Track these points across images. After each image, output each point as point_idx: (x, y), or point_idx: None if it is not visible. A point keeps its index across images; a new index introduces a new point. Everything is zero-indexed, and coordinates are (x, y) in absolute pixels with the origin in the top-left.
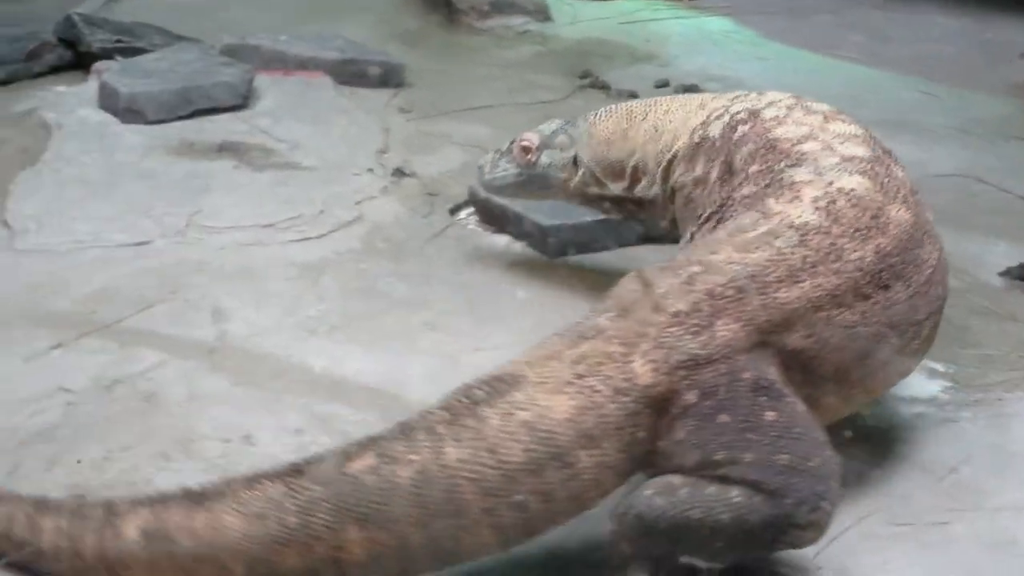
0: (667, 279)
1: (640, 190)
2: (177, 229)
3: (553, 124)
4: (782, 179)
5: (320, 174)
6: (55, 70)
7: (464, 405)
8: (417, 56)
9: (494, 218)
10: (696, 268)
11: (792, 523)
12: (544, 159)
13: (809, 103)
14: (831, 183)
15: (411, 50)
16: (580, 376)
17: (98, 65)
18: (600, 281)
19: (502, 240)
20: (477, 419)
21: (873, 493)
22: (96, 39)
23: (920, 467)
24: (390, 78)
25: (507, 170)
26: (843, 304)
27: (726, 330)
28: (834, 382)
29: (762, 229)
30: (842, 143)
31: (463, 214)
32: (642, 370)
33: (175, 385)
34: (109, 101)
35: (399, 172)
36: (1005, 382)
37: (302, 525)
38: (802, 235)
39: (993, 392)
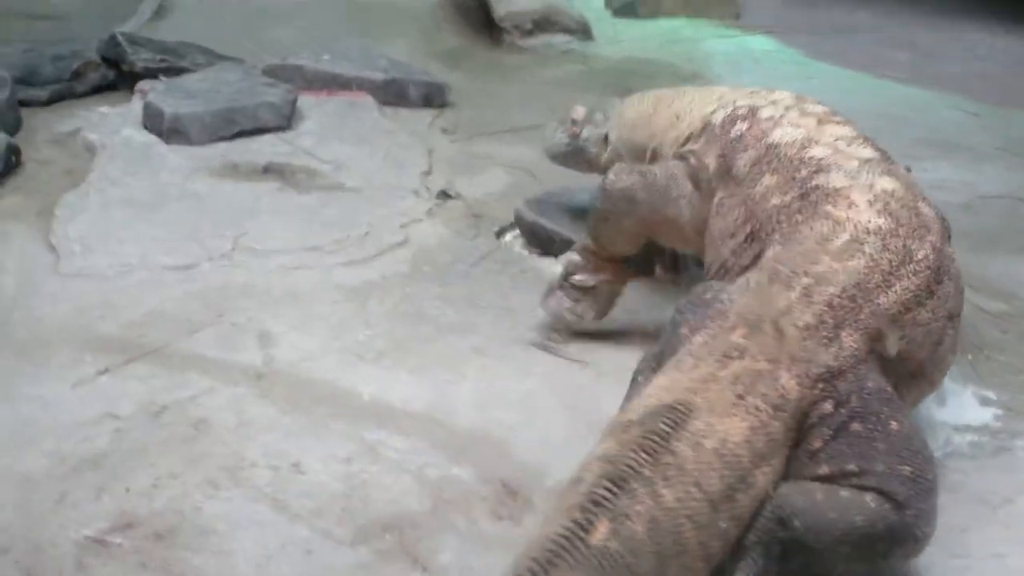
0: (783, 293)
1: None
2: (223, 252)
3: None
4: (819, 186)
5: (365, 196)
6: (99, 90)
7: (656, 443)
8: (460, 75)
9: (540, 241)
10: (806, 280)
11: (911, 534)
12: (585, 133)
13: (806, 104)
14: (872, 185)
15: (453, 69)
16: (741, 396)
17: (141, 85)
18: (643, 303)
19: (548, 263)
20: (673, 455)
21: None
22: (140, 59)
23: (975, 497)
24: (433, 98)
25: (559, 140)
26: (921, 303)
27: (850, 340)
28: (915, 379)
29: (845, 237)
30: (848, 145)
31: (509, 237)
32: (790, 384)
33: (223, 411)
34: (153, 122)
35: (444, 194)
36: None
37: None
38: (883, 239)
39: None
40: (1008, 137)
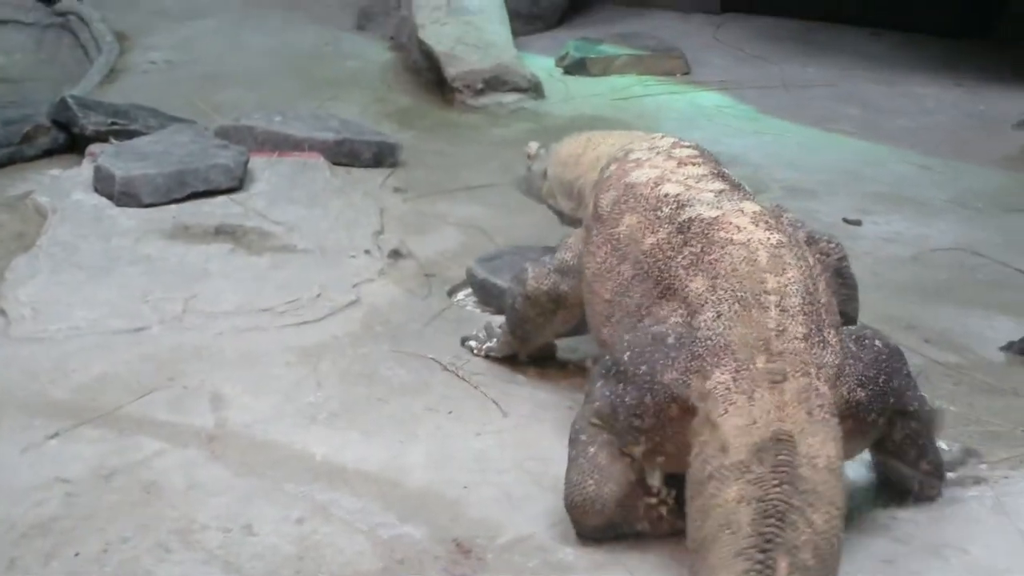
0: (764, 314)
1: (581, 212)
2: (174, 315)
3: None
4: (693, 218)
5: (317, 257)
6: (49, 153)
7: (789, 473)
8: (411, 135)
9: (492, 299)
10: (773, 298)
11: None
12: (534, 167)
13: (676, 149)
14: (741, 209)
15: (405, 129)
16: (809, 413)
17: (92, 148)
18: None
19: (501, 321)
20: (805, 480)
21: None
22: (90, 122)
23: (930, 549)
24: (385, 157)
25: (529, 169)
26: (832, 296)
27: (832, 337)
28: None
29: (764, 254)
30: (697, 182)
31: (461, 295)
32: (824, 389)
33: (175, 474)
34: (104, 184)
35: (396, 253)
36: (1010, 459)
37: None
38: (789, 249)
39: (999, 470)
40: (958, 190)
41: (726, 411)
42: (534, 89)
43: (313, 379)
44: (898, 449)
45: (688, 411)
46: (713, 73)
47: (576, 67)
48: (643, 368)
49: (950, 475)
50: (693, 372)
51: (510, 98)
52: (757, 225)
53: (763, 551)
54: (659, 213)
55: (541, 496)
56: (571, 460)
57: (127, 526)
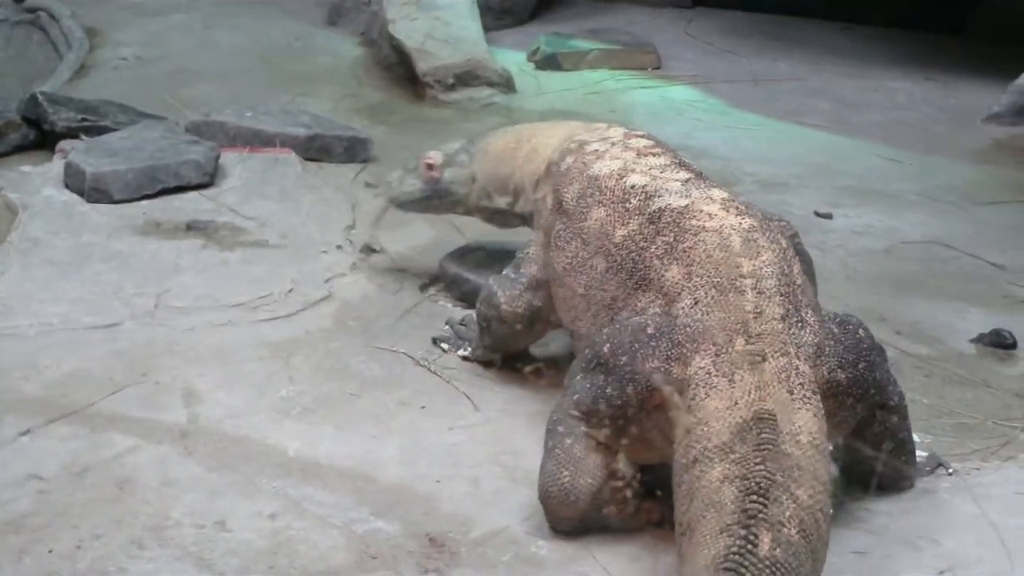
0: (740, 297)
1: (519, 205)
2: (146, 310)
3: (456, 144)
4: (663, 208)
5: (289, 252)
6: (19, 149)
7: (772, 450)
8: (383, 130)
9: (464, 293)
10: (748, 281)
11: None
12: (447, 175)
13: (631, 139)
14: (709, 197)
15: (377, 124)
16: (791, 391)
17: (62, 144)
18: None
19: (469, 321)
20: (788, 457)
21: (858, 567)
22: (60, 118)
23: (902, 540)
24: (356, 153)
25: (413, 186)
26: (804, 276)
27: (810, 316)
28: None
29: (737, 239)
30: (662, 172)
31: (433, 290)
32: (805, 368)
33: (148, 470)
34: (74, 180)
35: (368, 248)
36: (981, 451)
37: None
38: (761, 233)
39: (970, 461)
40: (929, 184)
41: (707, 395)
42: (505, 84)
43: (285, 374)
44: (876, 440)
45: (670, 398)
46: (684, 67)
47: (548, 62)
48: (624, 359)
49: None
50: (674, 360)
51: (482, 93)
52: (728, 211)
53: (745, 527)
54: (627, 205)
55: (514, 490)
56: (547, 451)
57: (100, 523)
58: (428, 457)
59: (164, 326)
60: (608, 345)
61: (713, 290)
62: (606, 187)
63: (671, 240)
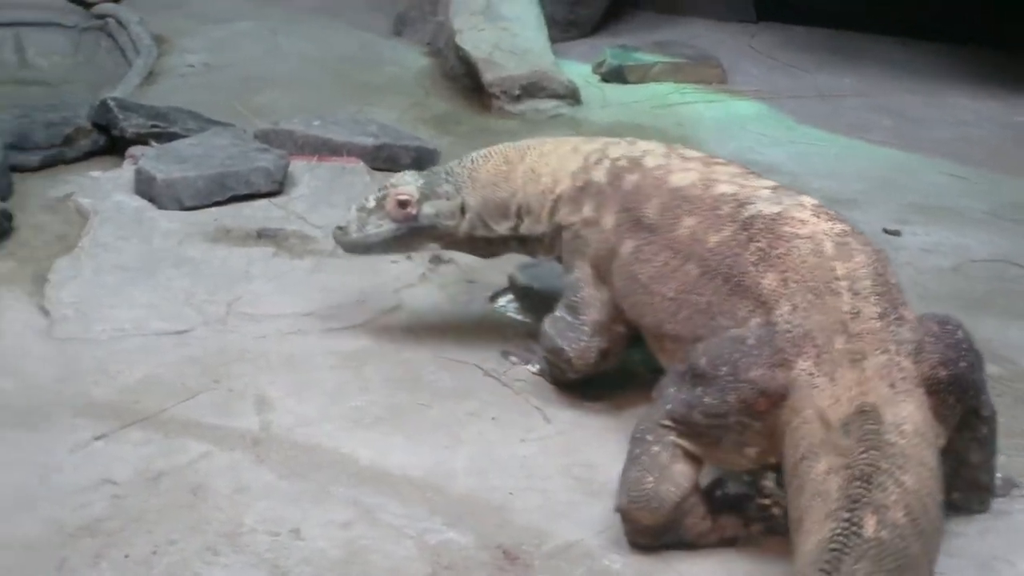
0: (837, 299)
1: (525, 228)
2: (218, 317)
3: (409, 176)
4: (755, 215)
5: (358, 261)
6: (89, 155)
7: (876, 439)
8: (450, 140)
9: (533, 305)
10: (843, 283)
11: None
12: (428, 210)
13: (681, 150)
14: (801, 204)
15: (443, 135)
16: (893, 385)
17: (132, 150)
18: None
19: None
20: (891, 445)
21: None
22: (131, 124)
23: (978, 562)
24: (424, 163)
25: (381, 227)
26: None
27: (908, 313)
28: None
29: (829, 244)
30: (745, 179)
31: (502, 301)
32: (907, 363)
33: (221, 477)
34: (145, 187)
35: (436, 259)
36: None
37: None
38: (853, 237)
39: None
40: (996, 201)
41: (811, 395)
42: (571, 96)
43: (357, 383)
44: (964, 449)
45: (775, 403)
46: (749, 81)
47: (613, 74)
48: (724, 369)
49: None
50: (777, 365)
51: (547, 104)
52: (819, 217)
53: (850, 510)
54: (719, 212)
55: (586, 503)
56: (632, 458)
57: (175, 528)
58: (499, 468)
59: (235, 333)
60: (705, 359)
61: (810, 294)
62: (694, 196)
63: (765, 247)
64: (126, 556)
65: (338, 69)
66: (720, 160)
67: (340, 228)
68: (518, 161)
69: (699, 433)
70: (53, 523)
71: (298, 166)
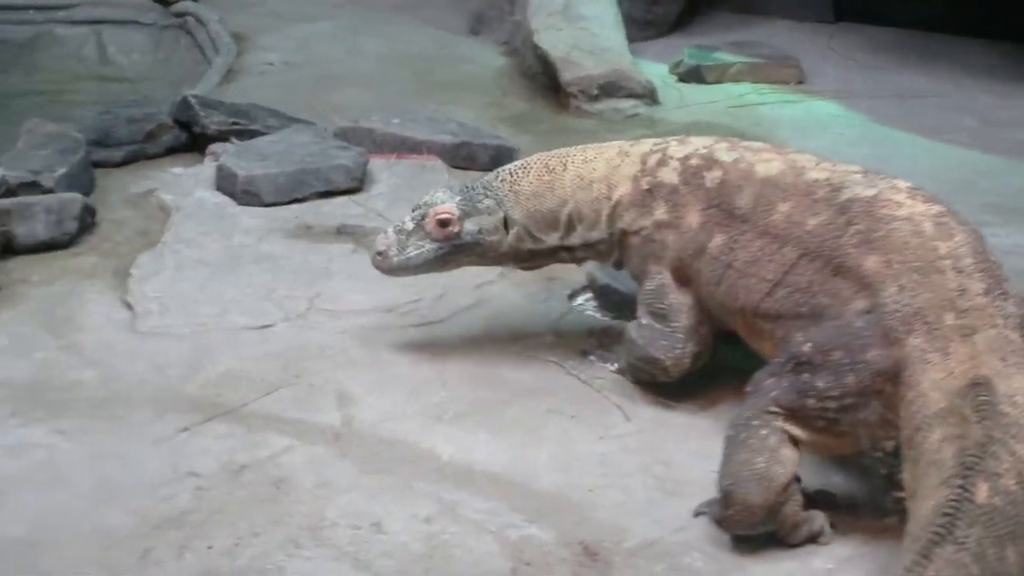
0: (942, 277)
1: (577, 237)
2: (298, 312)
3: (442, 194)
4: (852, 199)
5: None
6: (171, 151)
7: (989, 410)
8: (528, 139)
9: (612, 303)
10: (947, 262)
11: None
12: (470, 227)
13: (742, 142)
14: (895, 186)
15: (521, 133)
16: (1004, 359)
17: (213, 147)
18: (718, 364)
19: (622, 326)
20: (1005, 416)
21: None
22: (212, 121)
23: None
24: (503, 161)
25: (422, 248)
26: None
27: (1012, 290)
28: None
29: (928, 224)
30: (834, 165)
31: (581, 299)
32: (1015, 336)
33: (303, 471)
34: (226, 183)
35: None
36: None
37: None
38: (950, 217)
39: None
40: None
41: (924, 370)
42: (649, 95)
43: (437, 379)
44: None
45: (891, 380)
46: (827, 82)
47: (691, 74)
48: (837, 354)
49: None
50: (891, 344)
51: (625, 104)
52: (915, 199)
53: (963, 477)
54: (814, 197)
55: (665, 501)
56: (738, 442)
57: (258, 521)
58: (579, 465)
59: (316, 329)
60: (809, 345)
61: (915, 275)
62: (787, 184)
63: (864, 229)
64: (209, 547)
65: (415, 68)
66: (788, 149)
67: (379, 254)
68: (561, 170)
69: (811, 418)
70: (137, 514)
71: (377, 164)
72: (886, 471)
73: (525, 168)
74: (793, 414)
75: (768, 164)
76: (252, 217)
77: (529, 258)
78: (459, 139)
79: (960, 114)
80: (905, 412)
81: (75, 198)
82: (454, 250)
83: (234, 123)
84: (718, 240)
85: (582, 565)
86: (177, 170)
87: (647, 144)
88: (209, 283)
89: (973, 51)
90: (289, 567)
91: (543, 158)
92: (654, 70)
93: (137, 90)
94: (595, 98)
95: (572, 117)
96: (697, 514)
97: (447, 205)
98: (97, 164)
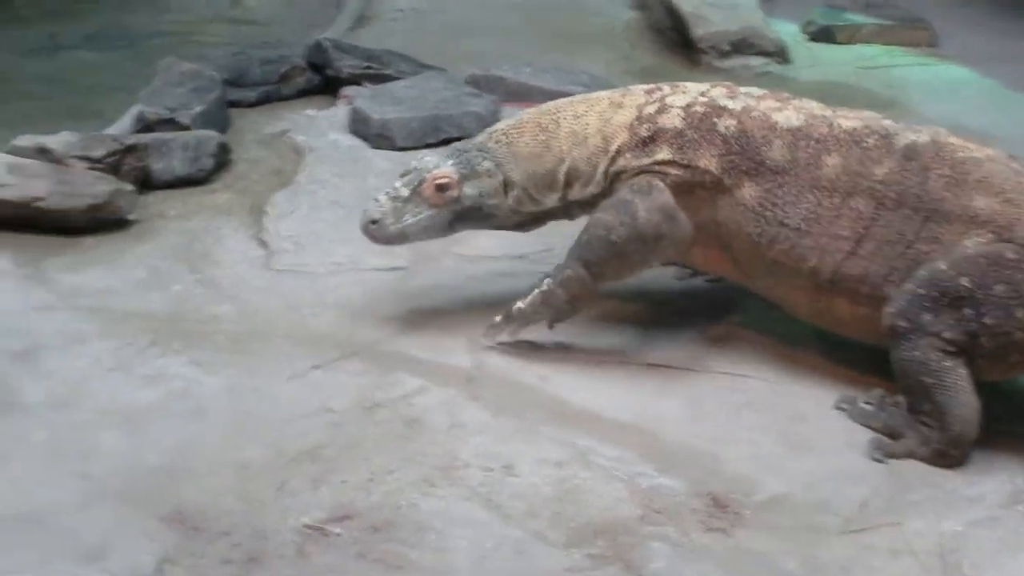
0: (1010, 208)
1: (574, 194)
2: (431, 256)
3: (433, 157)
4: (910, 144)
5: None
6: (304, 93)
7: None
8: None
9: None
10: (1014, 195)
11: None
12: (470, 191)
13: (742, 88)
14: (939, 131)
15: None
16: None
17: (346, 90)
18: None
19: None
20: None
21: None
22: (345, 64)
23: None
24: None
25: (419, 214)
26: None
27: None
28: None
29: (1005, 161)
30: (855, 113)
31: None
32: None
33: (436, 412)
34: (360, 126)
35: None
36: None
37: None
38: (1012, 158)
39: None
40: None
41: None
42: (780, 54)
43: (568, 326)
44: None
45: None
46: (959, 46)
47: (821, 34)
48: (1000, 287)
49: None
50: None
51: (756, 61)
52: (968, 142)
53: None
54: (864, 145)
55: (794, 457)
56: (939, 388)
57: (391, 458)
58: (709, 418)
59: (448, 272)
60: (966, 279)
61: (999, 208)
62: (821, 135)
63: (949, 173)
64: (343, 481)
65: (543, 19)
66: (778, 94)
67: (374, 222)
68: (555, 127)
69: (982, 353)
70: (273, 447)
71: (508, 112)
72: None
73: (519, 127)
74: (963, 349)
75: (783, 113)
76: (385, 160)
77: (529, 221)
78: (590, 90)
79: None
80: None
81: (211, 136)
82: (453, 216)
83: (367, 67)
84: (750, 191)
85: (712, 516)
86: (310, 112)
87: (639, 93)
88: (343, 224)
89: None
90: (422, 505)
91: (534, 116)
92: (784, 29)
93: (267, 33)
94: (726, 55)
95: (702, 72)
96: (885, 456)
97: (445, 169)
98: (232, 104)
